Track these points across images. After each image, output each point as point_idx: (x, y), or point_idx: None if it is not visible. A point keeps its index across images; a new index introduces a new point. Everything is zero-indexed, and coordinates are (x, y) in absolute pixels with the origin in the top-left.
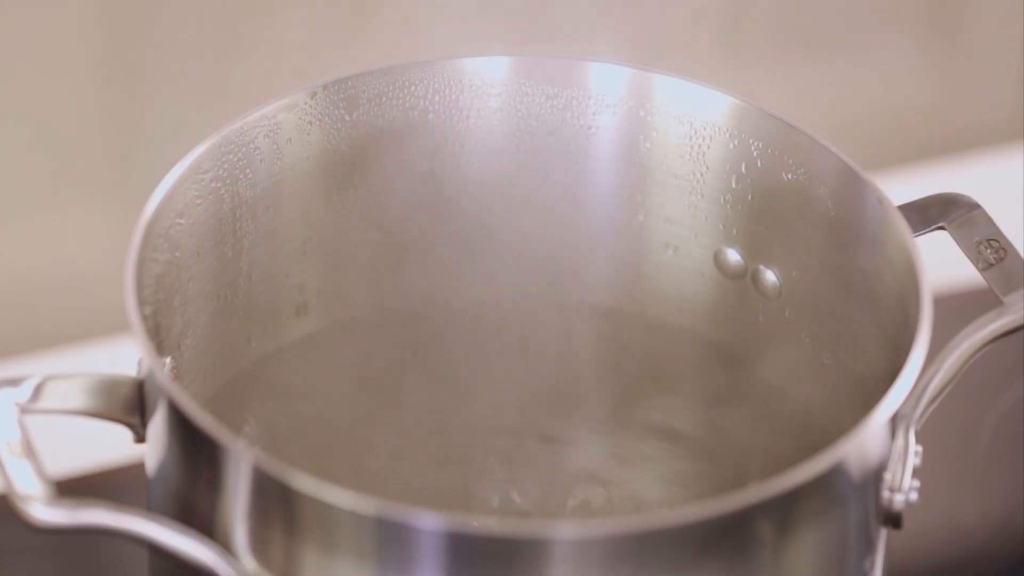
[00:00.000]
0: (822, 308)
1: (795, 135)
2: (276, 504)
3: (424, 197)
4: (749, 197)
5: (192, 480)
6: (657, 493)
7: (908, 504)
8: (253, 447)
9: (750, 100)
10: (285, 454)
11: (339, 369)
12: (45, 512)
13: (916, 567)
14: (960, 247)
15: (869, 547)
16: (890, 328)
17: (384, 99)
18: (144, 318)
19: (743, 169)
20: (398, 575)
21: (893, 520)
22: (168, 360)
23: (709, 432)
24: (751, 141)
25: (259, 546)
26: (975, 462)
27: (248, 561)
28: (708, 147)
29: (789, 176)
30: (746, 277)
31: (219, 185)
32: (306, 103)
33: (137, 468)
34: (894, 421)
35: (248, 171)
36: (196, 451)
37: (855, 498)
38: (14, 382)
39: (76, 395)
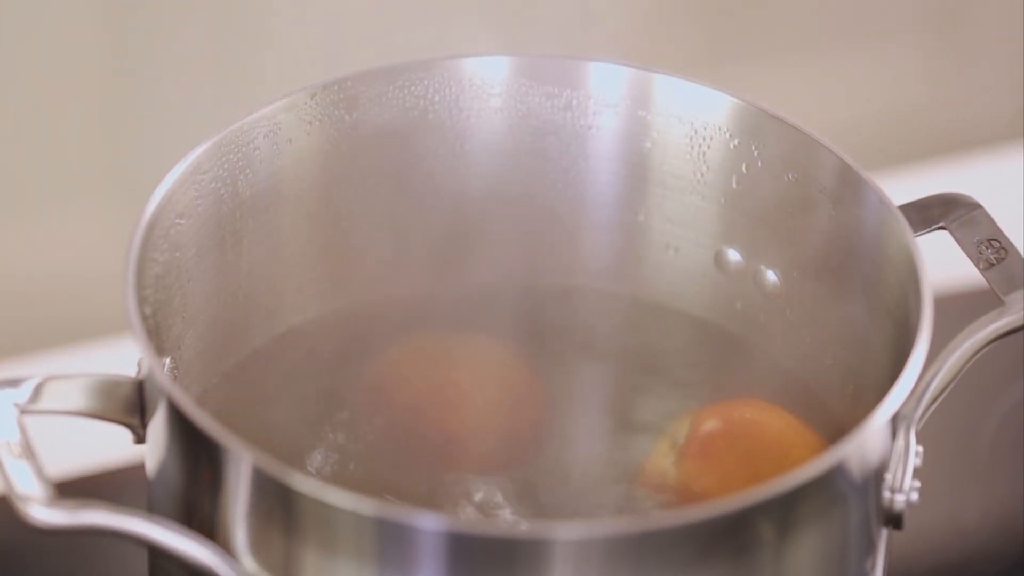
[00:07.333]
0: (823, 308)
1: (795, 135)
2: (276, 505)
3: (424, 197)
4: (749, 197)
5: (192, 481)
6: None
7: (909, 504)
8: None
9: (750, 100)
10: (286, 454)
11: (339, 369)
12: (45, 513)
13: (917, 567)
14: (961, 247)
15: (870, 547)
16: (891, 328)
17: (384, 99)
18: (144, 318)
19: (744, 169)
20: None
21: (894, 520)
22: (168, 360)
23: None
24: (751, 141)
25: (259, 547)
26: (976, 462)
27: (248, 562)
28: (708, 147)
29: (790, 176)
30: (747, 277)
31: (219, 185)
32: (306, 103)
33: (137, 469)
34: (895, 421)
35: (248, 171)
36: (196, 452)
37: (856, 498)
38: (14, 383)
39: (76, 396)
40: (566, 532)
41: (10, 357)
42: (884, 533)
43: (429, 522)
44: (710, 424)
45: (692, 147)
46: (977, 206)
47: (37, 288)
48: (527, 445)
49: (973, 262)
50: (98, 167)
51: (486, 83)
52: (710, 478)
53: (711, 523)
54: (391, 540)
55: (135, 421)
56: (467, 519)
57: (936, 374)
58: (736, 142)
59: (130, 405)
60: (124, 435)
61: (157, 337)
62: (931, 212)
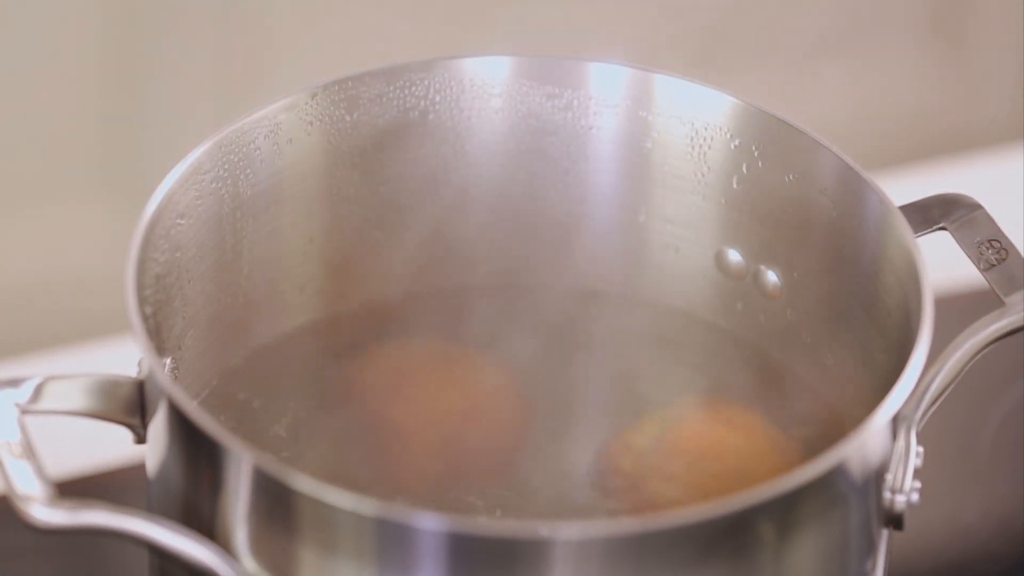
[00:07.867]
0: (823, 309)
1: (796, 135)
2: (276, 505)
3: (425, 198)
4: (750, 198)
5: (192, 481)
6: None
7: (909, 505)
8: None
9: (751, 100)
10: (286, 454)
11: (339, 369)
12: (45, 513)
13: (917, 568)
14: (961, 248)
15: (870, 548)
16: (891, 329)
17: (384, 99)
18: (145, 318)
19: (744, 170)
20: None
21: (894, 521)
22: (168, 360)
23: None
24: (752, 141)
25: (259, 547)
26: (976, 463)
27: (248, 562)
28: (709, 147)
29: (790, 176)
30: (747, 278)
31: (220, 185)
32: (306, 103)
33: (137, 469)
34: (895, 422)
35: (249, 171)
36: (196, 452)
37: (856, 499)
38: (14, 383)
39: (76, 396)
40: (566, 532)
41: (10, 357)
42: (884, 534)
43: (429, 522)
44: (681, 432)
45: (693, 147)
46: (978, 207)
47: (37, 288)
48: (524, 446)
49: (974, 263)
50: (98, 167)
51: (487, 83)
52: (664, 484)
53: (711, 523)
54: (391, 540)
55: (135, 421)
56: (467, 519)
57: (937, 375)
58: (737, 142)
59: (130, 405)
60: (124, 435)
61: (158, 337)
62: (932, 212)
